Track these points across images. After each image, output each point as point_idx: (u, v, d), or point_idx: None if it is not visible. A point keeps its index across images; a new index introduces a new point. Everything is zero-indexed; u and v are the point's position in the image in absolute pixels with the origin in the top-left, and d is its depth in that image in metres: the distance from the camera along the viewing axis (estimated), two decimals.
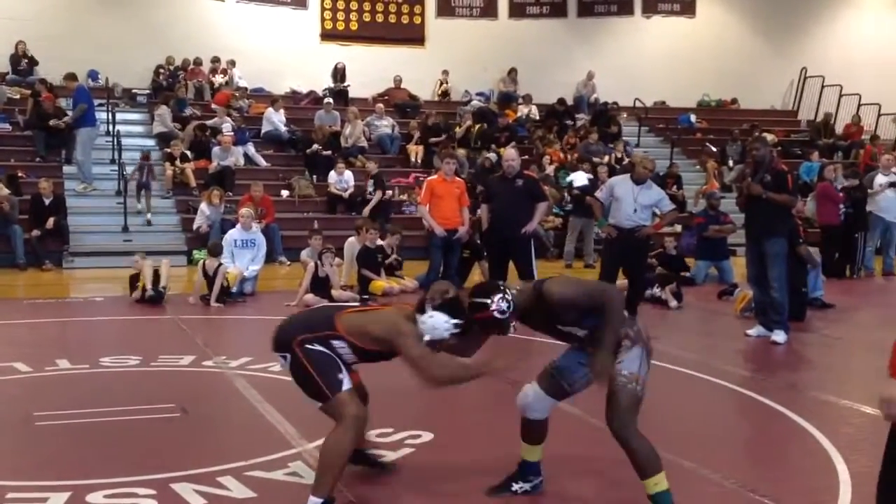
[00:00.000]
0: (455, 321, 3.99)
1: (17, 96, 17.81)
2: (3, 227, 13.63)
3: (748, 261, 8.84)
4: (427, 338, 3.97)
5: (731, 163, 19.94)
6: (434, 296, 4.00)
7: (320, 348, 3.97)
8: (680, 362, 7.44)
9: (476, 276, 12.23)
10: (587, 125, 20.60)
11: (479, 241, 11.76)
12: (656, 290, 10.89)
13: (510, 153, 10.49)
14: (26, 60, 18.64)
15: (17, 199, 14.17)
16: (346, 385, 3.96)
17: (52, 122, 16.02)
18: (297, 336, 4.00)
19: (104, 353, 7.46)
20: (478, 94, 22.00)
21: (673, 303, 10.77)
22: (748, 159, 9.54)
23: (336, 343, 4.00)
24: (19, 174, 15.19)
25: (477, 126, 19.29)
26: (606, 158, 18.38)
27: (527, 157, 17.28)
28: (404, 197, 17.12)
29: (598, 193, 10.02)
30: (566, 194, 16.77)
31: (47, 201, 14.08)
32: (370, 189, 16.16)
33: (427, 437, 5.21)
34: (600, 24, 23.65)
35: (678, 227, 15.07)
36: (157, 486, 4.27)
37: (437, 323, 3.95)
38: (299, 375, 4.02)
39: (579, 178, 16.32)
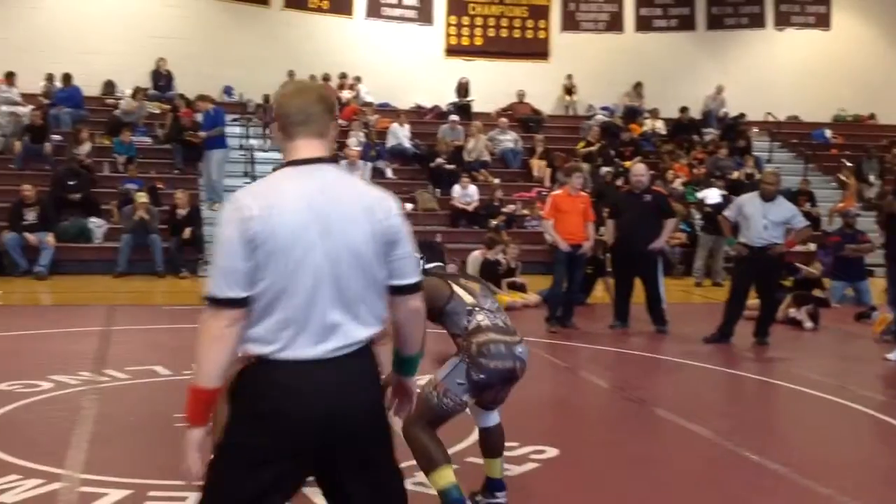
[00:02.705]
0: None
1: (158, 111, 18.62)
2: (144, 237, 14.23)
3: (889, 281, 8.47)
4: None
5: (871, 178, 19.11)
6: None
7: None
8: (816, 386, 7.19)
9: (599, 291, 12.11)
10: (716, 140, 20.15)
11: (602, 257, 11.66)
12: (791, 311, 10.56)
13: (639, 168, 10.35)
14: (166, 76, 19.48)
15: (157, 209, 14.78)
16: None
17: (187, 136, 16.65)
18: None
19: None
20: (602, 109, 21.82)
21: (808, 324, 10.40)
22: (888, 176, 9.16)
23: None
24: (159, 186, 15.84)
25: (598, 140, 19.11)
26: (736, 174, 17.93)
27: (653, 172, 16.99)
28: (527, 211, 17.10)
29: (726, 212, 9.81)
30: (692, 210, 16.44)
31: (184, 212, 14.63)
32: None
33: (552, 452, 5.17)
34: (730, 37, 23.14)
35: (811, 246, 14.56)
36: None
37: None
38: None
39: (712, 195, 16.01)
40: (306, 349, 2.48)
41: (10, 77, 17.67)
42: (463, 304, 4.09)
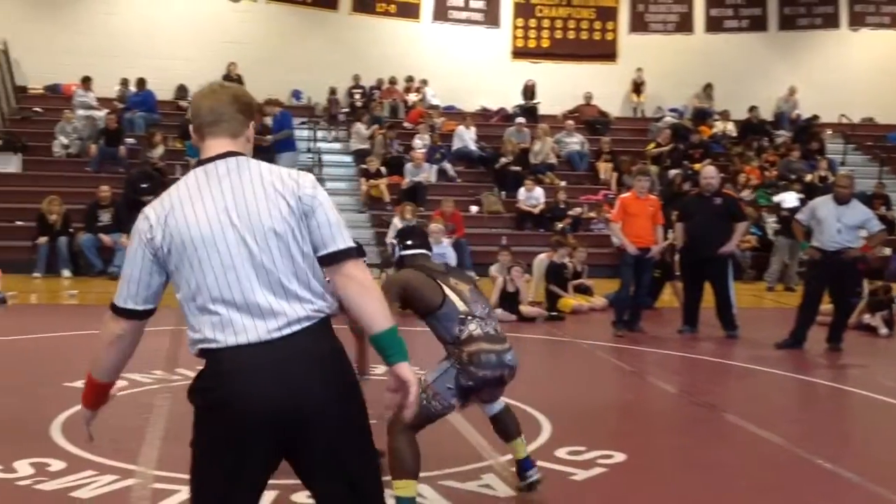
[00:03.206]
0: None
1: None
2: None
3: None
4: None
5: None
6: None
7: None
8: (890, 393, 7.01)
9: (667, 295, 11.98)
10: (788, 142, 19.78)
11: (670, 261, 11.53)
12: (866, 317, 10.31)
13: (709, 170, 10.22)
14: (237, 81, 19.78)
15: None
16: None
17: (255, 139, 16.88)
18: None
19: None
20: (671, 110, 21.58)
21: (883, 330, 10.15)
22: None
23: None
24: None
25: (668, 143, 18.90)
26: (809, 177, 17.58)
27: (723, 174, 16.77)
28: (593, 214, 16.99)
29: (799, 215, 9.65)
30: (763, 214, 16.16)
31: None
32: None
33: (620, 457, 5.12)
34: (803, 38, 22.69)
35: (887, 251, 14.20)
36: None
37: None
38: None
39: (789, 199, 15.75)
40: (241, 335, 2.48)
41: (86, 82, 18.14)
42: (455, 310, 4.10)
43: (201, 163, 2.59)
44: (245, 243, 2.48)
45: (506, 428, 4.45)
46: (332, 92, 20.18)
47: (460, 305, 4.10)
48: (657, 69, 21.72)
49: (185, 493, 4.35)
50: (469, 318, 4.09)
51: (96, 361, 2.69)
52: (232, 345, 2.48)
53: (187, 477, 4.48)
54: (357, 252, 2.60)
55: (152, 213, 2.54)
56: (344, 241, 2.56)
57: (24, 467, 4.64)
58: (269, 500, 4.25)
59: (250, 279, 2.48)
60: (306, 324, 2.51)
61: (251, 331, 2.48)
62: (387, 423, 3.93)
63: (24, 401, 6.25)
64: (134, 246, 2.56)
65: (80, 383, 6.48)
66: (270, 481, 4.47)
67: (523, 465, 4.43)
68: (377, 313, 2.53)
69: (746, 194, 16.78)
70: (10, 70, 18.79)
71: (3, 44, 18.39)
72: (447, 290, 4.13)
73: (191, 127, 2.69)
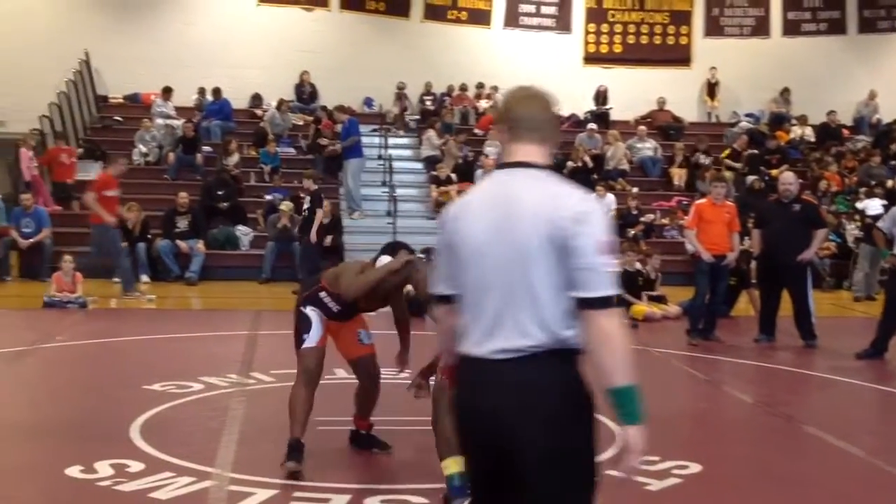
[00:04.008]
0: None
1: (301, 122, 19.18)
2: (286, 244, 14.66)
3: None
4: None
5: None
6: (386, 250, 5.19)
7: (309, 313, 5.01)
8: None
9: (743, 303, 11.76)
10: (868, 147, 19.27)
11: (746, 268, 11.33)
12: None
13: (787, 176, 10.01)
14: (309, 89, 20.06)
15: (300, 217, 15.17)
16: (308, 344, 4.96)
17: (325, 145, 17.07)
18: (301, 296, 5.14)
19: (384, 364, 7.80)
20: (746, 116, 21.21)
21: None
22: None
23: (321, 295, 5.05)
24: (301, 195, 16.27)
25: (745, 148, 18.58)
26: (890, 183, 17.11)
27: (801, 180, 16.44)
28: (666, 221, 16.78)
29: (880, 223, 9.40)
30: (843, 220, 15.78)
31: (326, 221, 14.97)
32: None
33: (695, 468, 5.04)
34: (884, 41, 22.07)
35: None
36: (430, 496, 4.40)
37: (384, 260, 5.07)
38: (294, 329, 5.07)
39: (872, 206, 15.36)
40: (475, 347, 2.51)
41: (166, 92, 18.56)
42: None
43: (501, 167, 2.64)
44: (502, 261, 2.47)
45: None
46: (402, 97, 20.31)
47: None
48: (732, 73, 21.37)
49: (260, 495, 4.42)
50: None
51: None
52: (469, 355, 2.54)
53: (262, 479, 4.58)
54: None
55: (449, 212, 2.67)
56: (602, 287, 2.41)
57: (104, 468, 4.75)
58: (343, 503, 4.28)
59: (496, 297, 2.48)
60: (529, 353, 2.45)
61: (481, 346, 2.50)
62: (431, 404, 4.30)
63: (104, 402, 6.40)
64: (439, 238, 2.68)
65: (157, 386, 6.66)
66: (342, 485, 4.53)
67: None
68: (613, 368, 2.41)
69: (826, 201, 16.40)
70: (92, 80, 19.32)
71: (84, 54, 18.92)
72: None
73: (501, 125, 2.69)
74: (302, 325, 4.99)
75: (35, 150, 15.82)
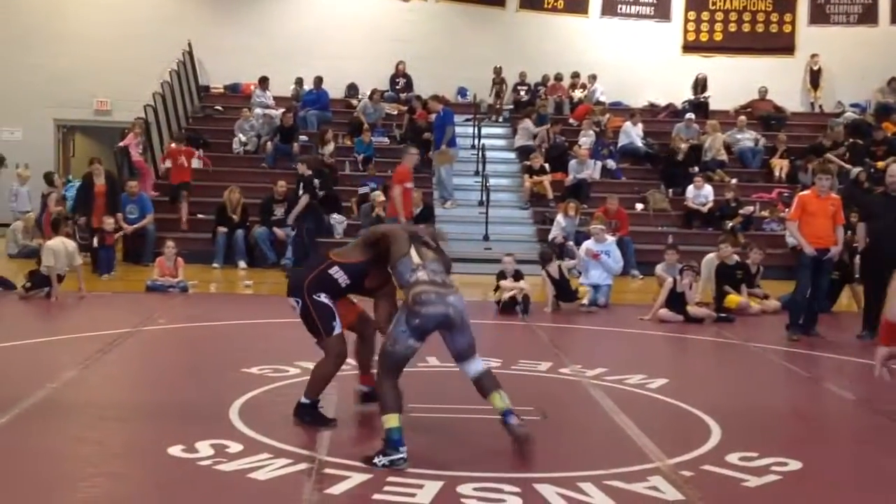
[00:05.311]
0: None
1: (395, 112, 19.32)
2: None
3: None
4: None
5: None
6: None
7: (324, 300, 5.20)
8: None
9: (846, 299, 11.41)
10: None
11: (849, 263, 10.98)
12: None
13: (895, 168, 9.64)
14: (404, 79, 20.19)
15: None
16: (337, 330, 5.26)
17: (424, 136, 17.16)
18: (306, 278, 5.24)
19: (445, 358, 7.82)
20: (852, 106, 20.52)
21: None
22: None
23: (331, 271, 5.23)
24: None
25: (850, 139, 17.98)
26: None
27: None
28: (766, 213, 16.38)
29: None
30: None
31: (417, 210, 15.05)
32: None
33: (795, 465, 4.90)
34: None
35: None
36: (521, 485, 4.39)
37: None
38: (307, 318, 5.27)
39: None
40: None
41: (264, 82, 18.91)
42: (411, 262, 4.89)
43: None
44: None
45: (484, 386, 4.96)
46: (501, 83, 20.27)
47: (416, 259, 4.89)
48: (838, 62, 20.73)
49: (355, 478, 4.48)
50: (420, 267, 4.86)
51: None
52: None
53: (357, 463, 4.63)
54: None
55: None
56: None
57: (204, 448, 4.87)
58: (434, 492, 4.30)
59: None
60: None
61: None
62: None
63: (205, 385, 6.57)
64: None
65: (255, 369, 6.80)
66: (434, 471, 4.55)
67: (504, 417, 4.86)
68: None
69: None
70: (195, 70, 19.82)
71: (188, 45, 19.41)
72: (412, 249, 4.94)
73: None
74: (324, 314, 5.23)
75: (138, 138, 16.14)
